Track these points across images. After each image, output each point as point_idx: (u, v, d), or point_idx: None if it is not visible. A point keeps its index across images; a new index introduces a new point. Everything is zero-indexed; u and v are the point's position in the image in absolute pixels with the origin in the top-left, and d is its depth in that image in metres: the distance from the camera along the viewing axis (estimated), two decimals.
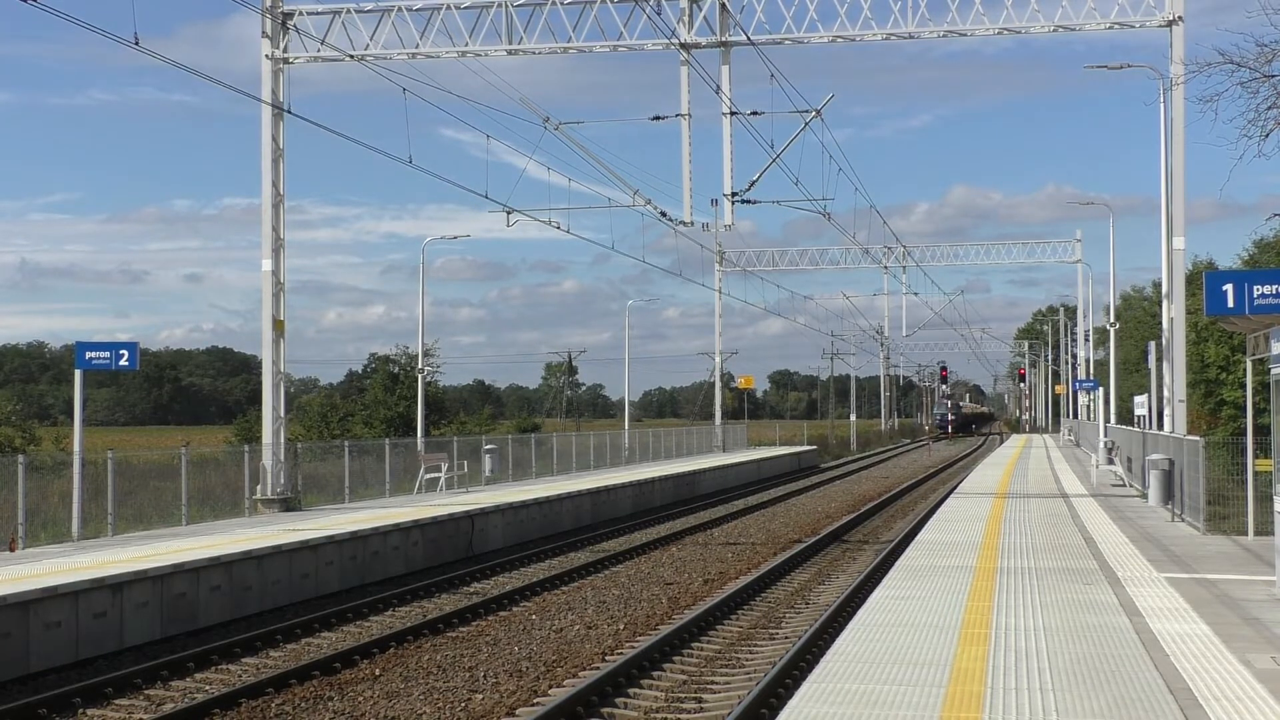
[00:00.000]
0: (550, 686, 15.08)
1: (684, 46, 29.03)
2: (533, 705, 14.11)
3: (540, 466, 42.78)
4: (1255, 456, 21.08)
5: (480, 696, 14.57)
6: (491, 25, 29.45)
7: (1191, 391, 35.27)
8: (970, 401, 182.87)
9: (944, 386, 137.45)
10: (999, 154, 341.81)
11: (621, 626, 19.01)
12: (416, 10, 29.83)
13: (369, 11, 29.93)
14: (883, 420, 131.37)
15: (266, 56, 29.48)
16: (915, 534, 25.41)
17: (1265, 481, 18.94)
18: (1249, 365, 22.36)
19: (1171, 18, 28.21)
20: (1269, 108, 19.77)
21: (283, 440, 29.44)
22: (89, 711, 14.38)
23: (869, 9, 29.03)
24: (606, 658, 16.69)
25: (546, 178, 32.59)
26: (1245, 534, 21.08)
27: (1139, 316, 77.11)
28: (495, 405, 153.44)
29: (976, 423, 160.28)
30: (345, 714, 13.94)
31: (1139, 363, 56.64)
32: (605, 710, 13.89)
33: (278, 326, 29.64)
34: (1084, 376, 70.34)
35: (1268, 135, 19.89)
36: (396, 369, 72.64)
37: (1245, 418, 22.91)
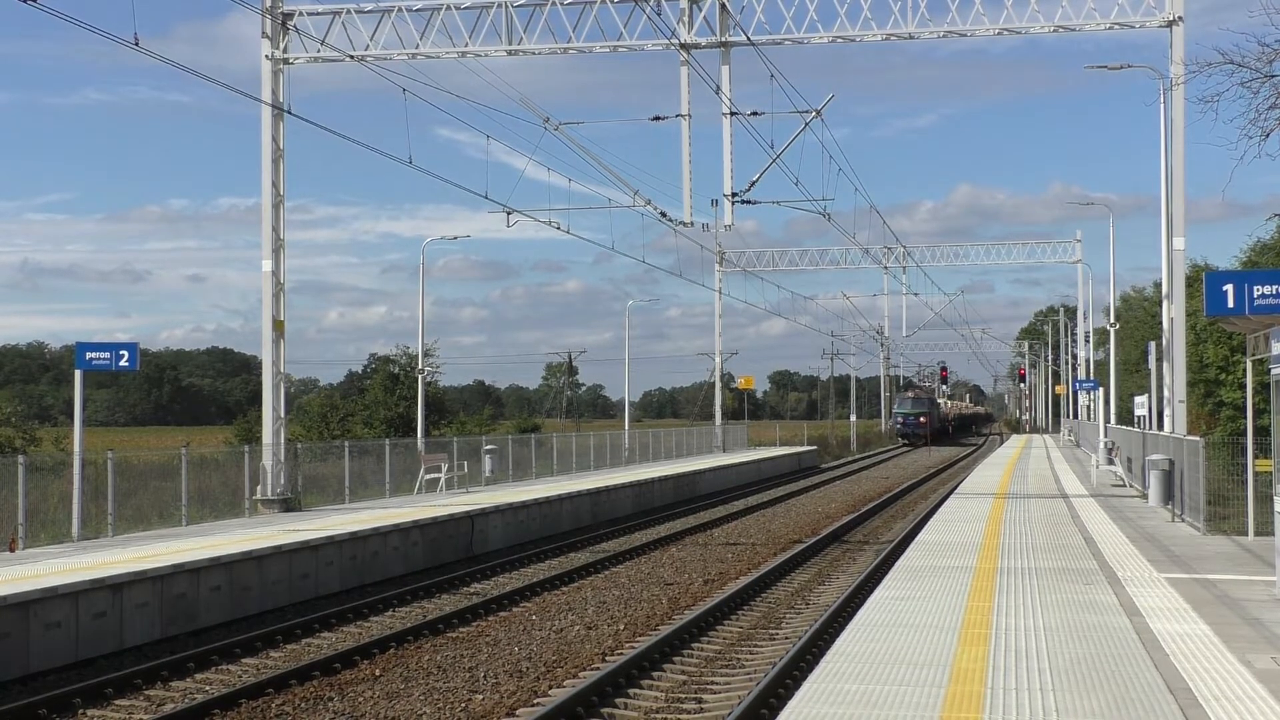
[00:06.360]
0: (550, 687, 15.08)
1: (684, 47, 29.03)
2: (533, 705, 14.11)
3: (540, 467, 42.78)
4: (1255, 456, 21.08)
5: (480, 697, 14.57)
6: (491, 25, 29.48)
7: (1190, 392, 35.26)
8: (970, 401, 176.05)
9: (944, 387, 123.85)
10: (1005, 153, 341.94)
11: (621, 627, 19.01)
12: (416, 10, 29.83)
13: (369, 12, 29.94)
14: (883, 421, 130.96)
15: (266, 57, 29.48)
16: (915, 534, 25.40)
17: (1265, 481, 18.95)
18: (1249, 365, 22.37)
19: (1171, 18, 28.23)
20: (1269, 107, 19.76)
21: (283, 440, 29.44)
22: (89, 711, 14.38)
23: (869, 9, 29.07)
24: (606, 658, 16.69)
25: (546, 178, 32.66)
26: (1245, 534, 21.08)
27: (1139, 317, 77.12)
28: (495, 405, 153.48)
29: (975, 423, 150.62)
30: (345, 714, 13.94)
31: (1139, 363, 56.66)
32: (605, 710, 13.89)
33: (278, 327, 29.64)
34: (1084, 377, 70.36)
35: (1268, 135, 19.88)
36: (396, 369, 72.65)
37: (1244, 418, 22.91)
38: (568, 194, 35.29)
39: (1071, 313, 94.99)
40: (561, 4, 29.20)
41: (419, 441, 41.39)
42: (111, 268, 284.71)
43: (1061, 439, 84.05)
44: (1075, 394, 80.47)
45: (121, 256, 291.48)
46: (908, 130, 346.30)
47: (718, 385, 73.02)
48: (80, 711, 14.34)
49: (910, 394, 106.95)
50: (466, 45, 29.72)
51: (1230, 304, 16.47)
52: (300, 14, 29.81)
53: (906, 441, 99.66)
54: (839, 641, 12.40)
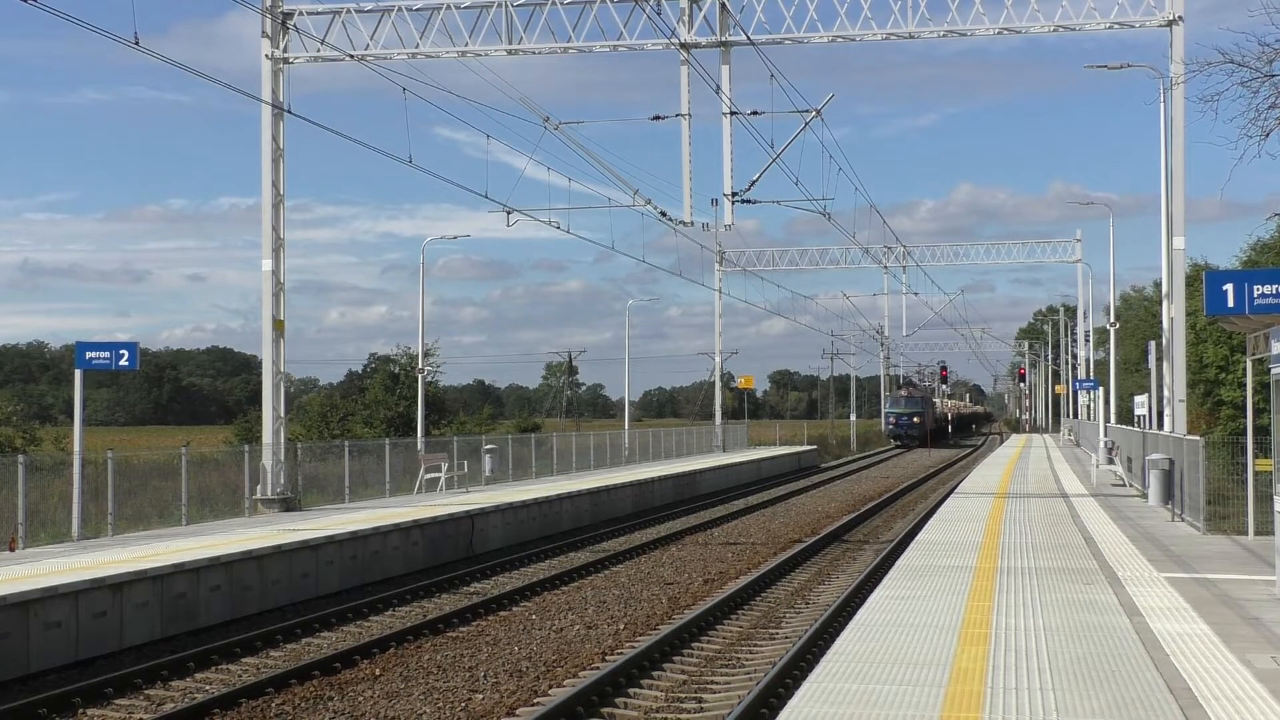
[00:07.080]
0: (550, 686, 15.08)
1: (684, 46, 29.03)
2: (533, 705, 14.11)
3: (540, 466, 42.77)
4: (1255, 456, 21.09)
5: (480, 696, 14.57)
6: (491, 25, 29.47)
7: (1190, 391, 35.28)
8: (970, 401, 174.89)
9: (944, 386, 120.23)
10: (1004, 153, 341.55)
11: (621, 626, 19.01)
12: (416, 10, 29.83)
13: (369, 11, 29.94)
14: (882, 420, 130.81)
15: (266, 56, 29.47)
16: (915, 534, 25.41)
17: (1265, 481, 18.95)
18: (1249, 365, 22.37)
19: (1172, 17, 28.23)
20: (1269, 107, 19.74)
21: (283, 440, 29.43)
22: (89, 711, 14.38)
23: (869, 9, 29.07)
24: (606, 658, 16.69)
25: (546, 178, 32.63)
26: (1245, 534, 21.09)
27: (1139, 316, 77.14)
28: (495, 405, 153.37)
29: (974, 423, 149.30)
30: (345, 714, 13.94)
31: (1139, 362, 56.67)
32: (605, 710, 13.89)
33: (278, 326, 29.63)
34: (1084, 376, 70.37)
35: (1268, 135, 19.86)
36: (396, 369, 72.68)
37: (1244, 417, 22.91)
38: (568, 193, 35.31)
39: (1071, 312, 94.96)
40: (561, 4, 29.20)
41: (419, 441, 41.39)
42: (111, 267, 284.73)
43: (1061, 439, 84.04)
44: (1075, 394, 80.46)
45: (121, 256, 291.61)
46: (908, 130, 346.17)
47: (718, 385, 73.03)
48: (80, 711, 14.34)
49: (903, 392, 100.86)
50: (466, 45, 29.71)
51: (1230, 303, 16.46)
52: (300, 13, 29.80)
53: (900, 444, 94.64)
54: (839, 641, 12.40)
